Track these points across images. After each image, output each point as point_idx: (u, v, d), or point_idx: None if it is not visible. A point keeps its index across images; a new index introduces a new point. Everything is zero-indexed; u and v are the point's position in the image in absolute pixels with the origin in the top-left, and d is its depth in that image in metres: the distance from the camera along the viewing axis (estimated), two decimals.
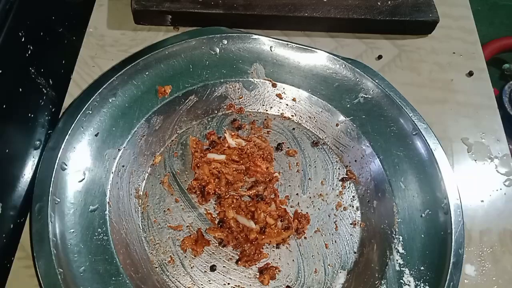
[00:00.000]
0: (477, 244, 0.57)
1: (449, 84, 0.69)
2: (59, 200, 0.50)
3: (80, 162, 0.53)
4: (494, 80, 0.71)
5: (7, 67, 0.49)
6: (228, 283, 0.52)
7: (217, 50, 0.62)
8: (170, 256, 0.53)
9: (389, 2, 0.70)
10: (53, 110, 0.60)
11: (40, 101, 0.57)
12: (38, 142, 0.56)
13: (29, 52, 0.54)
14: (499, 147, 0.64)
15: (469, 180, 0.61)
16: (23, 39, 0.52)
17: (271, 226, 0.55)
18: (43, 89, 0.57)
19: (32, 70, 0.55)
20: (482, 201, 0.60)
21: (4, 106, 0.49)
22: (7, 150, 0.51)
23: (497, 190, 0.61)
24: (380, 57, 0.70)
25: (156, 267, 0.52)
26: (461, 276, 0.51)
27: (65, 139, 0.53)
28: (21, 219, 0.53)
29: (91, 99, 0.55)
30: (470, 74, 0.70)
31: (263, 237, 0.54)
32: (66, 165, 0.52)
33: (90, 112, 0.55)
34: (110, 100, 0.57)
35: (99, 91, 0.56)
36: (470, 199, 0.60)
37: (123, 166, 0.56)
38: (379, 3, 0.70)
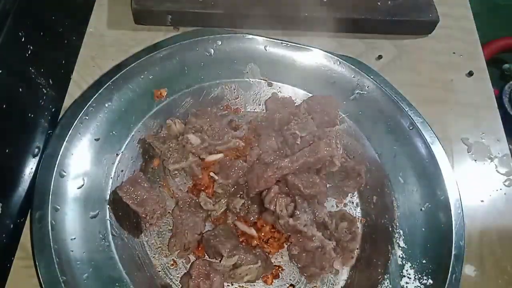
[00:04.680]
0: (477, 244, 0.57)
1: (449, 84, 0.69)
2: (59, 207, 0.50)
3: (78, 168, 0.52)
4: (494, 80, 0.71)
5: (7, 67, 0.49)
6: (232, 284, 0.52)
7: (212, 51, 0.62)
8: (172, 259, 0.53)
9: (389, 2, 0.70)
10: (53, 110, 0.59)
11: (40, 101, 0.57)
12: (37, 144, 0.56)
13: (29, 52, 0.54)
14: (499, 147, 0.65)
15: (469, 180, 0.61)
16: (23, 39, 0.52)
17: (275, 238, 0.54)
18: (43, 89, 0.57)
19: (32, 70, 0.55)
20: (482, 201, 0.60)
21: (4, 106, 0.49)
22: (7, 150, 0.50)
23: (497, 190, 0.61)
24: (380, 57, 0.70)
25: (159, 271, 0.52)
26: (461, 276, 0.51)
27: (63, 146, 0.52)
28: (21, 219, 0.53)
29: (87, 105, 0.54)
30: (470, 74, 0.70)
31: (265, 246, 0.54)
32: (65, 172, 0.51)
33: (87, 117, 0.54)
34: (107, 105, 0.56)
35: (95, 96, 0.55)
36: (470, 199, 0.60)
37: (122, 171, 0.55)
38: (379, 3, 0.70)
